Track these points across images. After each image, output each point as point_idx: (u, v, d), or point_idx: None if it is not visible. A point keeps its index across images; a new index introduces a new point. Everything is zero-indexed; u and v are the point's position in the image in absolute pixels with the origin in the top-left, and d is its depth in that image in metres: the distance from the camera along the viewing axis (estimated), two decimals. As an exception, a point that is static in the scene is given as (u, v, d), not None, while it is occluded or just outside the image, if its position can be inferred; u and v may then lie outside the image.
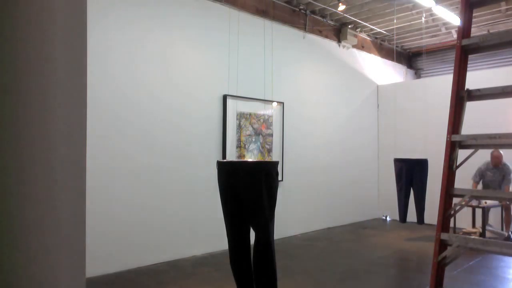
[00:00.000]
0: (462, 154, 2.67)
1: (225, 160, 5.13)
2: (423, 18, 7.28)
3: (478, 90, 2.63)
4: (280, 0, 6.45)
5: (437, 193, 2.72)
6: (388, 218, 7.99)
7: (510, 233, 6.19)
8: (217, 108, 5.58)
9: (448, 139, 2.66)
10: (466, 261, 5.10)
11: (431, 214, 7.13)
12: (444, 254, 2.64)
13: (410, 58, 9.81)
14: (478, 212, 6.36)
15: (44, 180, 1.11)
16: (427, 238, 6.45)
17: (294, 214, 6.66)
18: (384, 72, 8.85)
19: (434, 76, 9.51)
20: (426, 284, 4.28)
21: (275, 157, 6.27)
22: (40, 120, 1.12)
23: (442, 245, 2.65)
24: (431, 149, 8.00)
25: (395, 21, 7.35)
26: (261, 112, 6.11)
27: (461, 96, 2.66)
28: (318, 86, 7.22)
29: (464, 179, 5.74)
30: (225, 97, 5.60)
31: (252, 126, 5.96)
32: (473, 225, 6.48)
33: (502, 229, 6.42)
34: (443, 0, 6.40)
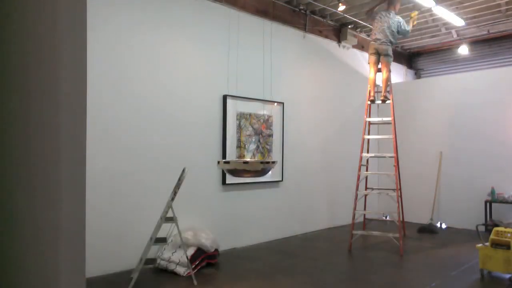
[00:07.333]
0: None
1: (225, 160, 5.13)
2: (423, 18, 7.28)
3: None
4: (280, 0, 6.45)
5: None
6: (388, 218, 7.99)
7: None
8: (217, 108, 5.58)
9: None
10: (466, 261, 5.10)
11: (431, 214, 7.12)
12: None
13: (410, 58, 9.80)
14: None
15: (44, 180, 1.11)
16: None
17: (294, 214, 6.66)
18: (384, 72, 8.84)
19: (434, 76, 9.51)
20: (426, 284, 4.28)
21: (275, 157, 6.27)
22: (40, 121, 1.12)
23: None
24: (431, 149, 7.99)
25: (395, 21, 7.33)
26: (261, 112, 6.10)
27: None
28: (318, 86, 7.22)
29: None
30: (225, 97, 5.60)
31: (252, 126, 5.96)
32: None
33: None
34: (443, 0, 6.39)
